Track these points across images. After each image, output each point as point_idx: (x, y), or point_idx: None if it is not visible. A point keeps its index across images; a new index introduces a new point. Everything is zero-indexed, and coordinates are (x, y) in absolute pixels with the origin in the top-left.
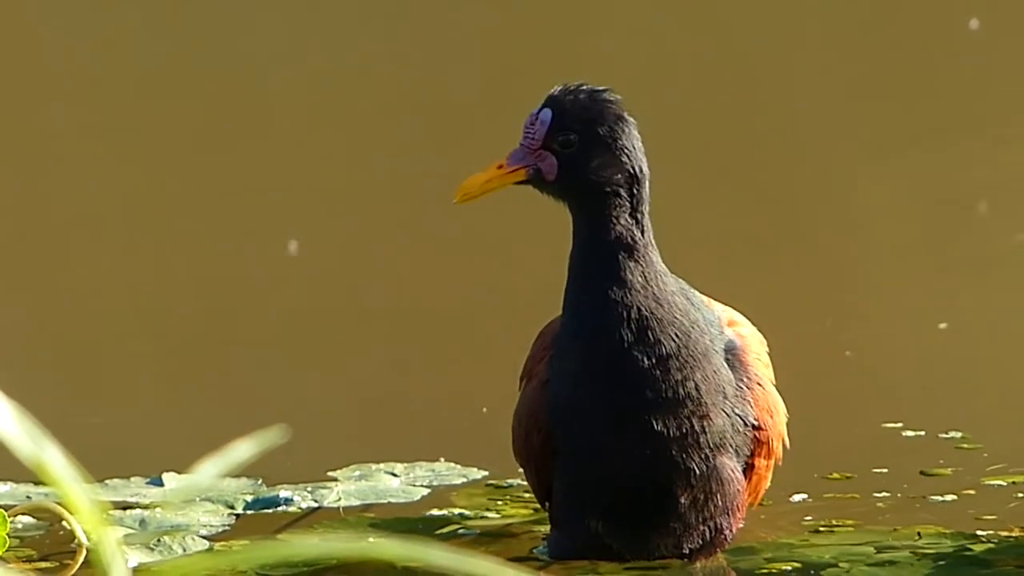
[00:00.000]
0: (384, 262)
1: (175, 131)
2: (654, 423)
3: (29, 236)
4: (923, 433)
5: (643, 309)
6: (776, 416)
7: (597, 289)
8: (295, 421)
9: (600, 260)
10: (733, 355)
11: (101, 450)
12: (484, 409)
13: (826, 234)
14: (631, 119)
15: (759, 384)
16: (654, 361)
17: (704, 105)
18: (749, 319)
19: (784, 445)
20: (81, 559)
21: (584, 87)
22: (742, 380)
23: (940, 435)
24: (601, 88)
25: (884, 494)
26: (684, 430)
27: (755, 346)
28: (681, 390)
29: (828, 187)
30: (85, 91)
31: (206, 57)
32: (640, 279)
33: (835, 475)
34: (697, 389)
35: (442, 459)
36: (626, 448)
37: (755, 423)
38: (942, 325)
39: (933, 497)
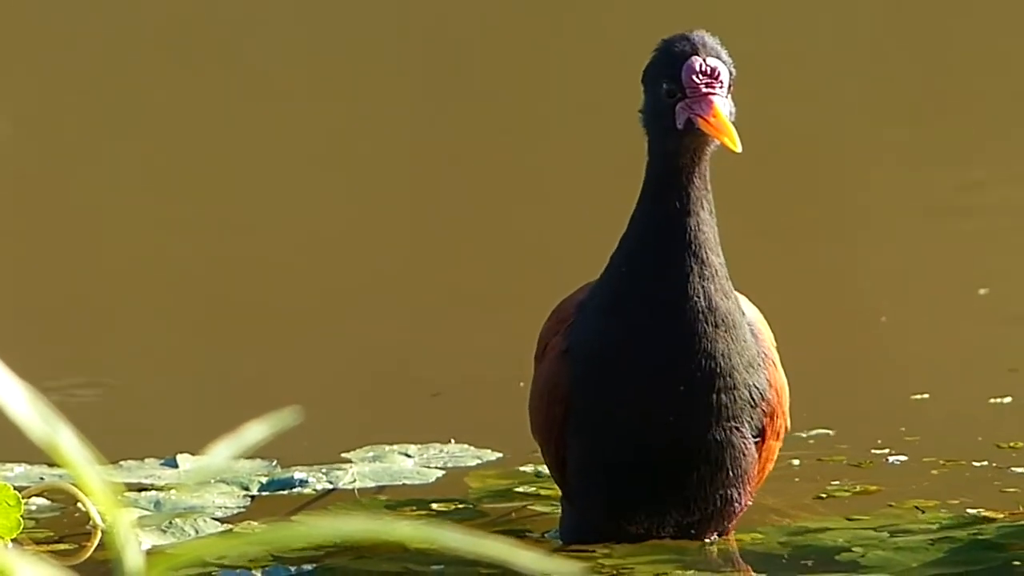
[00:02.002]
0: (398, 242)
1: (184, 112)
2: (688, 384)
3: (43, 221)
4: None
5: (708, 271)
6: (783, 395)
7: (672, 248)
8: (309, 402)
9: (684, 222)
10: (752, 327)
11: (115, 431)
12: (521, 384)
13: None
14: None
15: (773, 363)
16: (710, 326)
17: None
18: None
19: (786, 427)
20: (97, 541)
21: (704, 33)
22: (760, 354)
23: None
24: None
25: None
26: (713, 396)
27: (763, 327)
28: (723, 359)
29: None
30: (88, 77)
31: (214, 39)
32: (712, 242)
33: (860, 460)
34: (734, 360)
35: (452, 440)
36: (649, 411)
37: (769, 398)
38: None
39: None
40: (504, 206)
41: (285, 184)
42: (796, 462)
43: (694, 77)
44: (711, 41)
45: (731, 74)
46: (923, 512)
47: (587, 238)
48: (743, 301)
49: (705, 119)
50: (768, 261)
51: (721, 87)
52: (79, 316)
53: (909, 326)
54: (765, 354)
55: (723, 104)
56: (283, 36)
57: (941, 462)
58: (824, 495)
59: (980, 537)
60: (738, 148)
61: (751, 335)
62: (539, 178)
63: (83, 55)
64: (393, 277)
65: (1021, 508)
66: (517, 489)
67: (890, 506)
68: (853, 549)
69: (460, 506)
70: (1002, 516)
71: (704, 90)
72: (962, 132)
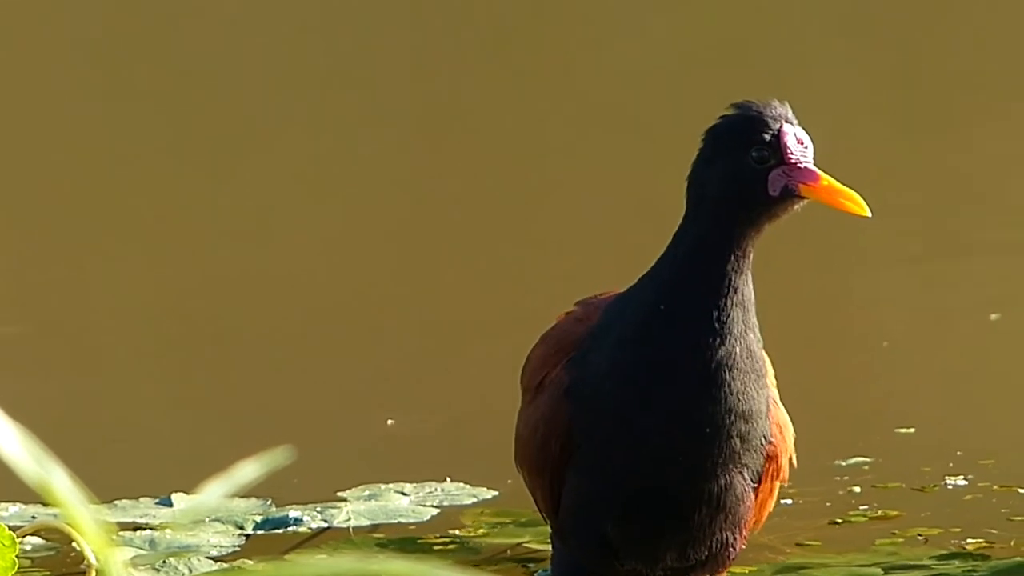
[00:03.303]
0: (393, 279)
1: (171, 145)
2: (706, 428)
3: (37, 251)
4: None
5: (748, 317)
6: (785, 433)
7: (707, 286)
8: (304, 441)
9: (727, 277)
10: None
11: (109, 470)
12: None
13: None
14: None
15: (774, 401)
16: (739, 372)
17: None
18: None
19: (792, 464)
20: None
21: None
22: (766, 397)
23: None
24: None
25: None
26: (726, 442)
27: (765, 362)
28: (743, 402)
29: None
30: (77, 93)
31: (202, 64)
32: (746, 298)
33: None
34: (755, 405)
35: (448, 478)
36: (661, 452)
37: (771, 440)
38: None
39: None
40: (497, 235)
41: (278, 222)
42: (789, 501)
43: (796, 146)
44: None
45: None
46: (925, 540)
47: (580, 268)
48: None
49: (812, 187)
50: (766, 289)
51: (808, 156)
52: (71, 355)
53: (912, 352)
54: (768, 394)
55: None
56: (268, 60)
57: (949, 486)
58: (840, 520)
59: (975, 573)
60: (867, 212)
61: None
62: (528, 209)
63: (71, 72)
64: (388, 316)
65: (1012, 542)
66: (512, 527)
67: (893, 534)
68: None
69: (455, 544)
70: (1000, 547)
71: (804, 159)
72: (961, 153)
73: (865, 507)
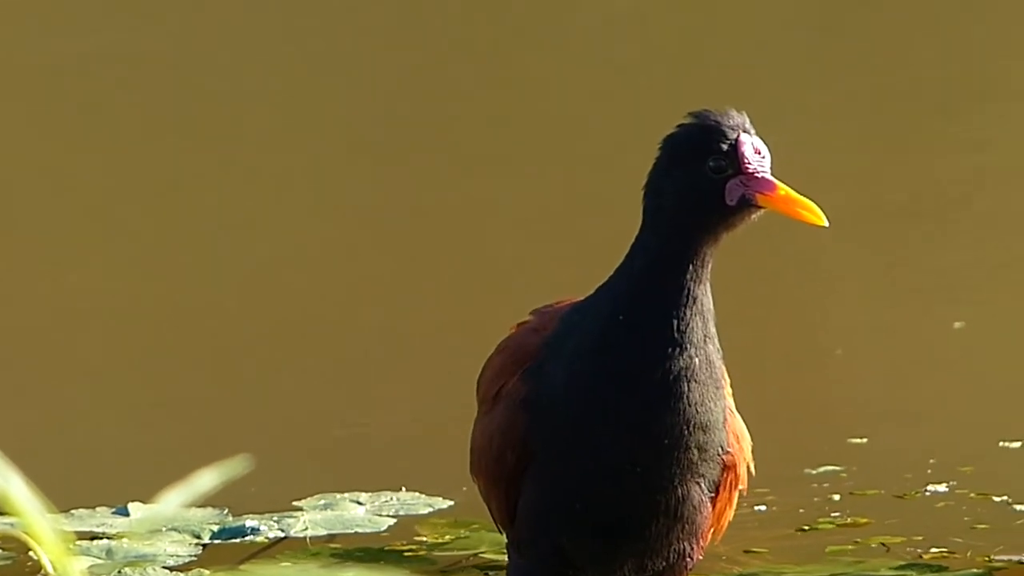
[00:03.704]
0: (348, 290)
1: (132, 160)
2: (665, 439)
3: None
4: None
5: (709, 329)
6: (742, 442)
7: (665, 296)
8: (260, 450)
9: (686, 289)
10: None
11: (65, 479)
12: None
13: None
14: None
15: (730, 410)
16: (698, 383)
17: None
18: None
19: (749, 472)
20: None
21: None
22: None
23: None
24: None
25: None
26: (684, 452)
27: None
28: (702, 414)
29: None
30: (44, 108)
31: (167, 78)
32: (705, 309)
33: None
34: (713, 416)
35: (404, 488)
36: (618, 463)
37: (728, 449)
38: (957, 324)
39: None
40: (451, 246)
41: (234, 234)
42: (763, 507)
43: (753, 156)
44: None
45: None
46: (887, 549)
47: (535, 277)
48: None
49: (769, 196)
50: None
51: (767, 166)
52: (26, 365)
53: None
54: (725, 404)
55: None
56: (234, 73)
57: (914, 494)
58: (807, 527)
59: None
60: (825, 222)
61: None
62: (482, 220)
63: (36, 87)
64: (344, 326)
65: (968, 553)
66: (468, 537)
67: (856, 542)
68: None
69: (411, 554)
70: (957, 557)
71: (762, 169)
72: (925, 160)
73: (837, 514)
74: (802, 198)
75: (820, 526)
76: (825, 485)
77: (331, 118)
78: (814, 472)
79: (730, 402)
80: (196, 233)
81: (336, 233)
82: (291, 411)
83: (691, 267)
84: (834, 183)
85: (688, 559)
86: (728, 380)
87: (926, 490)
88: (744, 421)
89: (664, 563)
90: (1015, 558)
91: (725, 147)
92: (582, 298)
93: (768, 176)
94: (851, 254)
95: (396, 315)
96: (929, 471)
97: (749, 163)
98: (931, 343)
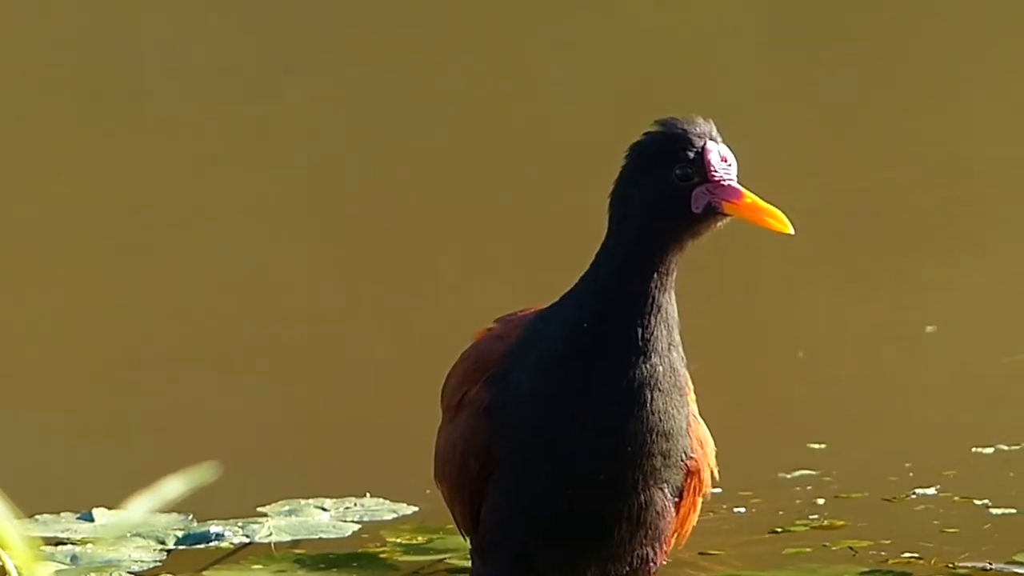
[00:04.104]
0: (311, 297)
1: (94, 168)
2: (628, 447)
3: None
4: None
5: (672, 338)
6: (706, 447)
7: (630, 304)
8: (225, 456)
9: (656, 278)
10: None
11: (28, 485)
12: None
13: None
14: None
15: (694, 416)
16: (662, 392)
17: None
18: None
19: (713, 477)
20: None
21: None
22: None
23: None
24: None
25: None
26: (648, 460)
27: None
28: (664, 422)
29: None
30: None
31: (130, 92)
32: (668, 316)
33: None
34: (676, 423)
35: (368, 494)
36: (583, 471)
37: (692, 455)
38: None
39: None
40: (418, 256)
41: (199, 239)
42: (742, 509)
43: (720, 163)
44: (709, 123)
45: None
46: (855, 553)
47: (499, 284)
48: None
49: (736, 204)
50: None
51: (733, 173)
52: None
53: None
54: (688, 410)
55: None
56: (198, 84)
57: (901, 498)
58: (780, 528)
59: None
60: (790, 229)
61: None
62: (454, 229)
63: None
64: (307, 333)
65: (933, 560)
66: (432, 543)
67: (824, 546)
68: None
69: (375, 560)
70: (920, 564)
71: (728, 177)
72: (893, 165)
73: (815, 516)
74: (768, 206)
75: (794, 529)
76: (802, 488)
77: (293, 133)
78: (789, 476)
79: (694, 408)
80: (158, 242)
81: (299, 245)
82: (255, 418)
83: (656, 275)
84: (803, 186)
85: (652, 564)
86: (692, 387)
87: (913, 493)
88: (717, 426)
89: (627, 568)
90: (979, 565)
91: (691, 155)
92: (547, 305)
93: (734, 184)
94: (820, 258)
95: (360, 323)
96: (909, 475)
97: (715, 171)
98: (904, 347)
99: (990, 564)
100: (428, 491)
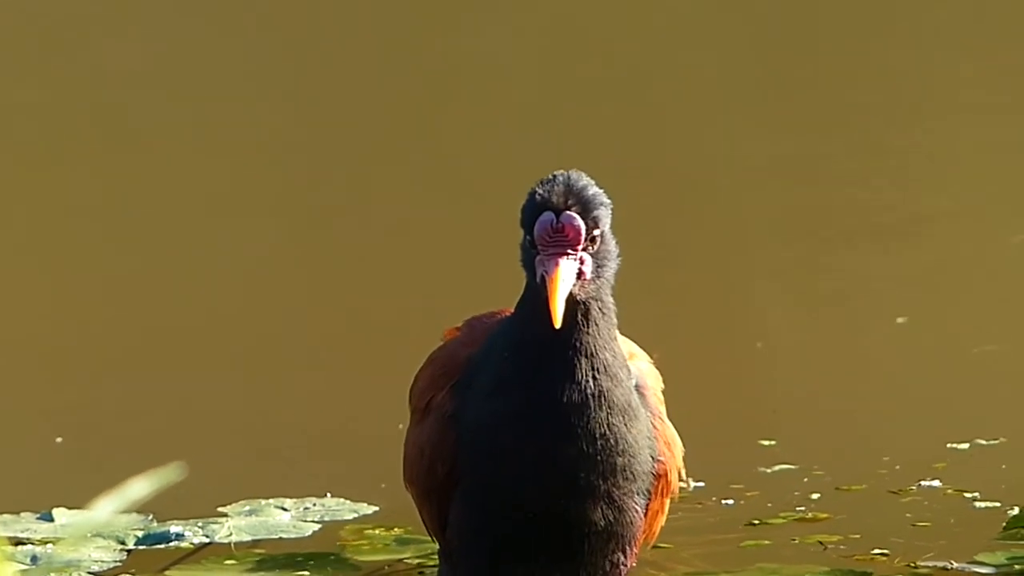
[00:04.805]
0: (274, 292)
1: (61, 160)
2: (587, 479)
3: None
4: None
5: (602, 367)
6: (673, 448)
7: (565, 349)
8: (185, 455)
9: (575, 327)
10: (638, 391)
11: None
12: (400, 426)
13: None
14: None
15: (660, 418)
16: (606, 418)
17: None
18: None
19: (681, 478)
20: None
21: (567, 178)
22: (647, 415)
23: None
24: (573, 173)
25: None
26: (612, 483)
27: (651, 380)
28: (624, 448)
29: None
30: None
31: (124, 63)
32: (605, 339)
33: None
34: (632, 437)
35: (328, 494)
36: (544, 487)
37: (659, 458)
38: (900, 320)
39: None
40: (383, 256)
41: (166, 235)
42: (731, 501)
43: (544, 236)
44: (576, 186)
45: (591, 225)
46: (825, 548)
47: (463, 290)
48: (632, 348)
49: (550, 279)
50: (649, 288)
51: (573, 245)
52: None
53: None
54: (652, 412)
55: (568, 267)
56: (216, 72)
57: (858, 488)
58: (758, 521)
59: None
60: (556, 324)
61: (638, 399)
62: (426, 230)
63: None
64: (268, 331)
65: (896, 560)
66: (393, 543)
67: (793, 540)
68: None
69: (336, 560)
70: (887, 559)
71: (552, 250)
72: (866, 147)
73: (802, 508)
74: (556, 294)
75: (772, 521)
76: (805, 480)
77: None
78: (769, 471)
79: (660, 409)
80: (127, 236)
81: (260, 246)
82: (216, 417)
83: (577, 307)
84: (774, 172)
85: (621, 567)
86: (661, 385)
87: (917, 485)
88: (696, 419)
89: (600, 572)
90: (940, 564)
91: (530, 224)
92: (512, 312)
93: (559, 259)
94: (783, 253)
95: (321, 322)
96: (895, 468)
97: (542, 243)
98: (875, 340)
99: (951, 564)
100: (383, 485)
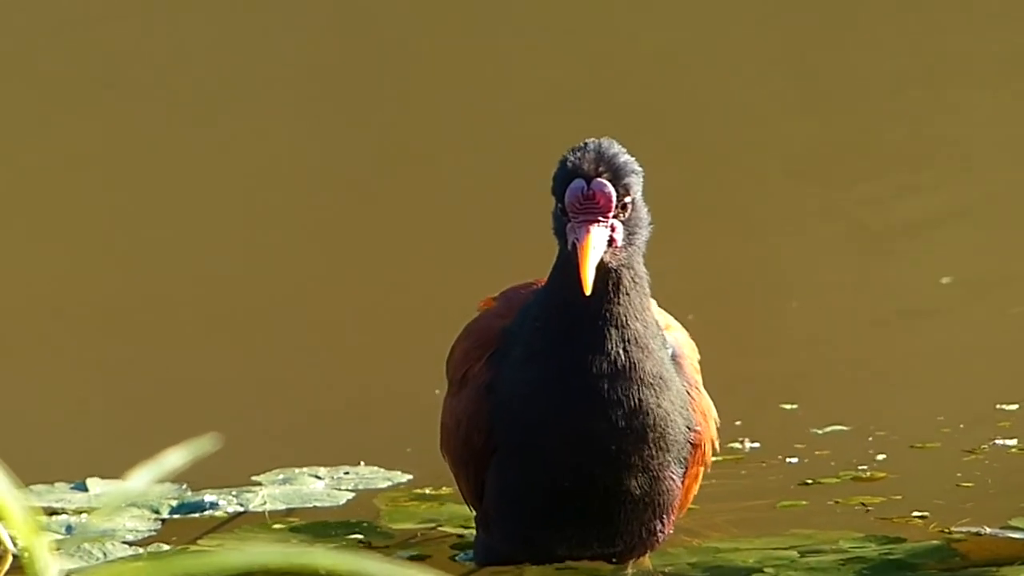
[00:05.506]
0: (304, 262)
1: (82, 134)
2: (619, 448)
3: None
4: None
5: (632, 337)
6: (709, 420)
7: (595, 319)
8: (219, 425)
9: (606, 296)
10: (675, 360)
11: (21, 454)
12: (436, 391)
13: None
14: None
15: (696, 388)
16: (637, 389)
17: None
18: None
19: (714, 449)
20: (7, 565)
21: (599, 146)
22: (683, 386)
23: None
24: (607, 140)
25: (803, 500)
26: (645, 452)
27: (687, 350)
28: (655, 417)
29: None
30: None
31: (134, 59)
32: (637, 309)
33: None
34: (663, 409)
35: (362, 462)
36: (577, 457)
37: (696, 428)
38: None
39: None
40: (413, 229)
41: (192, 207)
42: (795, 459)
43: (575, 203)
44: (607, 154)
45: (622, 192)
46: (868, 509)
47: (497, 259)
48: (668, 320)
49: (579, 246)
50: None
51: (604, 212)
52: None
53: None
54: (689, 382)
55: (599, 234)
56: (216, 56)
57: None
58: (811, 480)
59: (891, 557)
60: (587, 291)
61: (674, 369)
62: (454, 196)
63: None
64: (301, 297)
65: (931, 528)
66: (426, 511)
67: (836, 502)
68: (764, 570)
69: (369, 528)
70: (923, 522)
71: (583, 217)
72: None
73: (864, 467)
74: (587, 260)
75: (825, 481)
76: (870, 439)
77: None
78: (820, 432)
79: (697, 379)
80: (158, 211)
81: (293, 218)
82: (250, 387)
83: (609, 277)
84: (810, 131)
85: (659, 534)
86: (697, 356)
87: (990, 444)
88: (742, 384)
89: (636, 539)
90: (974, 530)
91: (562, 191)
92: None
93: (590, 226)
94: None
95: (354, 289)
96: (943, 431)
97: (571, 211)
98: (919, 298)
99: (984, 529)
100: (409, 450)
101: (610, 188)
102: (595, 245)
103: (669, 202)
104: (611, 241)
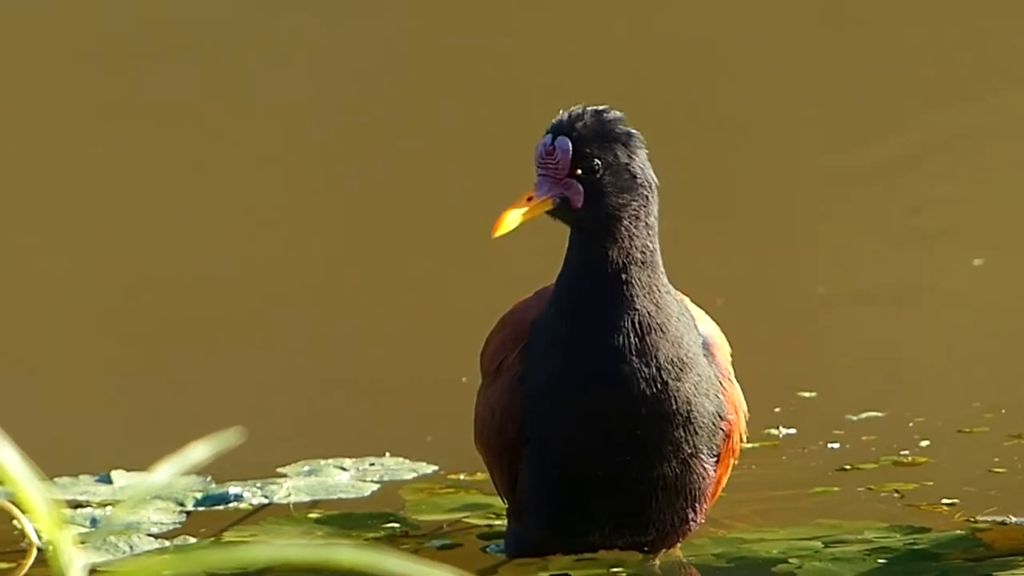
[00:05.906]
0: (328, 254)
1: (107, 132)
2: (644, 432)
3: None
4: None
5: (644, 317)
6: (740, 411)
7: (602, 299)
8: (244, 417)
9: (609, 273)
10: (707, 350)
11: (45, 447)
12: (464, 379)
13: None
14: (638, 133)
15: (729, 379)
16: (654, 370)
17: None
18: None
19: (743, 440)
20: (32, 558)
21: (589, 109)
22: (715, 376)
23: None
24: (604, 108)
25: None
26: (671, 436)
27: (719, 340)
28: (676, 399)
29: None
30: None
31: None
32: (646, 288)
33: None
34: (689, 396)
35: (388, 453)
36: (610, 451)
37: (727, 417)
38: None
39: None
40: (436, 221)
41: (217, 202)
42: (836, 445)
43: (538, 157)
44: (589, 116)
45: (588, 153)
46: (902, 496)
47: (526, 246)
48: (698, 313)
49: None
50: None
51: (554, 167)
52: (5, 333)
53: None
54: (721, 373)
55: (544, 187)
56: (234, 59)
57: (893, 461)
58: (848, 466)
59: (915, 547)
60: (493, 233)
61: (705, 358)
62: (454, 196)
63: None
64: (326, 292)
65: (956, 517)
66: (452, 502)
67: (870, 488)
68: (789, 560)
69: (395, 520)
70: (948, 510)
71: (539, 171)
72: (886, 110)
73: (906, 452)
74: (508, 212)
75: (863, 466)
76: (910, 425)
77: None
78: (855, 419)
79: (728, 370)
80: (180, 205)
81: (316, 209)
82: (274, 379)
83: (599, 256)
84: (845, 124)
85: (692, 523)
86: (728, 349)
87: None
88: (770, 369)
89: (668, 528)
90: (999, 519)
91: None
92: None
93: (539, 179)
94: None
95: (380, 280)
96: (984, 415)
97: (538, 167)
98: (950, 283)
99: (1010, 518)
100: (429, 438)
101: (568, 146)
102: (538, 199)
103: (694, 189)
104: (567, 200)
